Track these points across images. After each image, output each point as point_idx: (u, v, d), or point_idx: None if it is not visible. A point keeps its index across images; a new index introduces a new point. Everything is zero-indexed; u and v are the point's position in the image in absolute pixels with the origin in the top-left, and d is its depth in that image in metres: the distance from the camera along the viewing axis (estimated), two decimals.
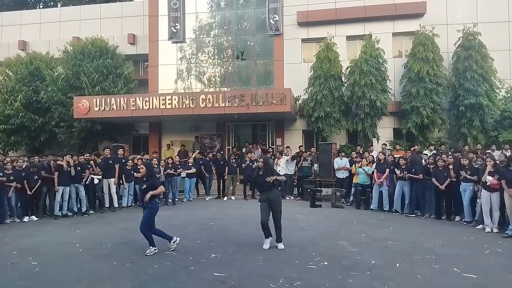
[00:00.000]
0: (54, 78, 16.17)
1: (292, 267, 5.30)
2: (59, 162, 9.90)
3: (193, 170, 12.74)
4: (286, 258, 5.73)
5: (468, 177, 8.55)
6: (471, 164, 8.85)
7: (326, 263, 5.48)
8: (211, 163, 13.51)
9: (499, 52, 14.76)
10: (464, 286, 4.59)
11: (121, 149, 11.83)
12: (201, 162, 13.38)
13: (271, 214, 6.39)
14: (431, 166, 9.62)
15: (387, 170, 10.38)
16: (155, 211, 6.19)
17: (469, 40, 14.26)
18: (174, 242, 6.19)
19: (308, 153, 13.49)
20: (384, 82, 14.77)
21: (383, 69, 14.81)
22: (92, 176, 10.52)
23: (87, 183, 10.41)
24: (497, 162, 7.99)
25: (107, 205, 10.77)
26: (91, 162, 10.69)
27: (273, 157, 13.21)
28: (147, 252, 5.97)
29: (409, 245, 6.56)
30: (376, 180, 10.46)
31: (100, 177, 10.65)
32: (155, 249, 6.04)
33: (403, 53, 16.30)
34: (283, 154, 13.14)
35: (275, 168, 12.74)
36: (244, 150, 15.37)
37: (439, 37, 14.61)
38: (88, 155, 10.96)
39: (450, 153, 10.75)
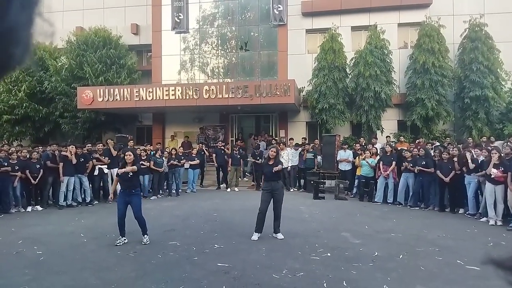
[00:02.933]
0: (58, 68, 16.14)
1: (295, 258, 5.32)
2: (63, 153, 9.95)
3: (197, 161, 12.78)
4: (289, 249, 5.75)
5: (471, 167, 8.52)
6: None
7: (329, 254, 5.49)
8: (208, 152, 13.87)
9: (505, 43, 14.52)
10: (467, 278, 4.59)
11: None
12: (202, 153, 13.52)
13: (270, 205, 6.42)
14: (436, 159, 9.59)
15: (394, 162, 10.34)
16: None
17: (475, 31, 14.06)
18: (123, 240, 6.12)
19: (311, 145, 13.46)
20: (389, 73, 14.64)
21: (388, 61, 14.67)
22: (100, 166, 10.56)
23: (95, 173, 10.45)
24: (503, 154, 7.94)
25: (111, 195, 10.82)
26: (98, 153, 10.75)
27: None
28: (144, 241, 6.04)
29: (412, 237, 6.56)
30: (382, 172, 10.43)
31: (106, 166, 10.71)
32: (125, 239, 6.10)
33: (408, 44, 16.12)
34: (287, 146, 13.14)
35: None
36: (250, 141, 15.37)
37: (445, 28, 14.40)
38: (90, 145, 11.00)
39: (456, 145, 10.71)
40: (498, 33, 14.21)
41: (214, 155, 13.44)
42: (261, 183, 7.22)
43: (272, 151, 6.66)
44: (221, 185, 13.44)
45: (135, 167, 6.04)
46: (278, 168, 6.38)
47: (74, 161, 9.90)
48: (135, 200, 6.06)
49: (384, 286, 4.26)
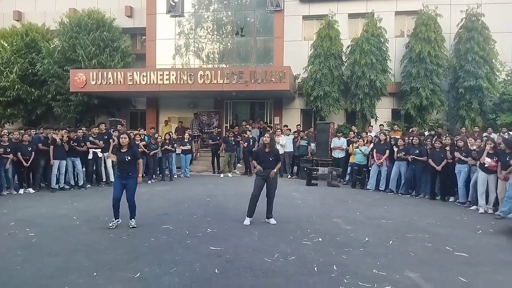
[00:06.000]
0: (50, 50, 15.92)
1: (287, 243, 5.37)
2: (54, 136, 9.84)
3: (188, 146, 12.79)
4: (281, 234, 5.80)
5: (463, 158, 8.60)
6: (467, 145, 8.87)
7: (320, 239, 5.55)
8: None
9: (502, 34, 14.54)
10: (455, 264, 4.66)
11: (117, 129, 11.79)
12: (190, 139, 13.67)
13: (263, 190, 6.46)
14: (428, 147, 9.65)
15: (387, 151, 10.39)
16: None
17: (472, 21, 14.04)
18: (117, 221, 6.17)
19: (306, 132, 13.47)
20: (385, 62, 14.63)
21: (384, 49, 14.65)
22: (95, 150, 10.48)
23: (89, 157, 10.37)
24: (497, 144, 7.99)
25: (104, 179, 10.80)
26: (92, 136, 10.66)
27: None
28: (132, 225, 6.09)
29: (403, 224, 6.65)
30: (376, 160, 10.46)
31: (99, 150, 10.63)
32: (118, 221, 6.17)
33: (405, 33, 16.07)
34: (283, 133, 13.14)
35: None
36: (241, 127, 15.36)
37: (441, 17, 14.38)
38: (84, 128, 10.90)
39: (448, 134, 10.78)
40: (495, 24, 14.23)
41: (210, 140, 13.59)
42: (253, 170, 7.28)
43: (266, 137, 6.66)
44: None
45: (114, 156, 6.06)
46: (273, 173, 6.42)
47: (66, 148, 9.80)
48: (130, 183, 6.08)
49: (374, 271, 4.32)
